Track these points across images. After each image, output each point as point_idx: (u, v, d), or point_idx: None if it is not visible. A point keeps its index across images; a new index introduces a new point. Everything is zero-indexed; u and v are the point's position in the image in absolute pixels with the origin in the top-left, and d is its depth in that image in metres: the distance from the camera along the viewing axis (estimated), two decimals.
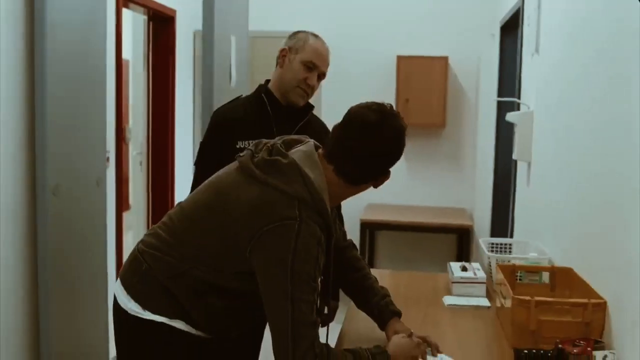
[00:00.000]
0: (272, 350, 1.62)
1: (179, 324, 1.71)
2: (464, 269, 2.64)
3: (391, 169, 1.78)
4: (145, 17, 5.04)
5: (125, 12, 4.46)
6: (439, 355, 1.89)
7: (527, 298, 1.97)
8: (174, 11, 5.01)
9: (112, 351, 3.89)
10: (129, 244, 4.84)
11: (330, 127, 2.46)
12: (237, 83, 3.74)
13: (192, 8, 5.21)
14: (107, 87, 3.61)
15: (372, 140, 1.70)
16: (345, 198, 1.84)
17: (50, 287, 2.99)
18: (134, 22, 5.31)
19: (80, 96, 3.26)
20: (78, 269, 3.30)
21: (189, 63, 5.49)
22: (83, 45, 3.27)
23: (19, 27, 2.87)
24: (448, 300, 2.50)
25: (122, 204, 4.14)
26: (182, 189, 5.25)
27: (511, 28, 4.28)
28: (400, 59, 5.48)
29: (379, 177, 1.77)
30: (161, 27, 5.02)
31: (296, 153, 1.71)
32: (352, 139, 1.70)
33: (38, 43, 2.90)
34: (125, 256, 4.23)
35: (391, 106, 1.76)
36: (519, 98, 3.71)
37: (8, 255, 2.85)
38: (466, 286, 2.55)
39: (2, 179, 2.80)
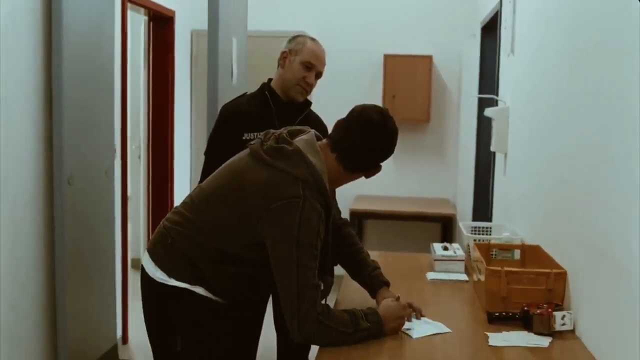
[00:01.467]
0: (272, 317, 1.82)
1: (199, 290, 1.96)
2: (445, 248, 2.90)
3: (382, 164, 2.08)
4: (145, 18, 5.17)
5: None
6: (422, 318, 2.16)
7: (499, 268, 2.24)
8: (173, 12, 5.15)
9: (119, 331, 4.15)
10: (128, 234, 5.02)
11: (324, 120, 2.77)
12: (238, 81, 3.96)
13: (191, 8, 5.42)
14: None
15: (373, 137, 2.01)
16: (341, 184, 2.11)
17: (65, 269, 3.21)
18: (133, 23, 5.42)
19: (91, 94, 3.47)
20: (90, 252, 3.51)
21: (187, 62, 5.65)
22: (94, 46, 3.47)
23: (37, 30, 3.06)
24: (431, 275, 2.76)
25: (126, 193, 4.35)
26: (181, 181, 5.47)
27: (491, 29, 4.45)
28: (387, 57, 5.69)
29: (372, 169, 2.07)
30: (160, 27, 5.15)
31: (300, 141, 1.98)
32: (357, 134, 2.00)
33: (55, 45, 3.10)
34: (130, 242, 4.47)
35: (387, 110, 2.07)
36: (497, 95, 3.93)
37: (28, 240, 3.06)
38: (447, 263, 2.81)
39: (23, 171, 3.02)
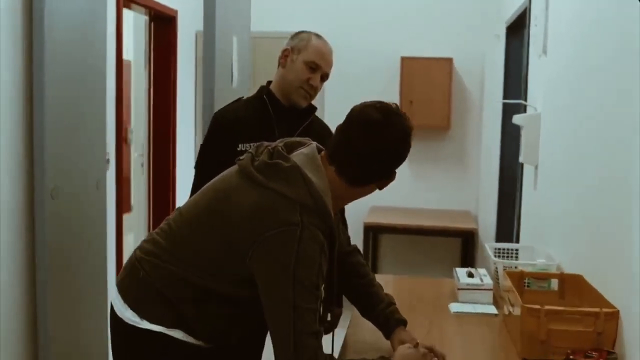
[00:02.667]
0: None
1: (177, 334, 1.67)
2: (470, 275, 2.59)
3: (396, 171, 1.73)
4: (147, 18, 5.02)
5: (126, 12, 4.43)
6: None
7: (537, 307, 1.92)
8: (175, 11, 5.01)
9: (111, 357, 3.88)
10: (130, 246, 4.82)
11: (333, 129, 2.44)
12: (239, 84, 3.73)
13: (194, 8, 5.20)
14: (107, 88, 3.60)
15: (375, 139, 1.66)
16: (348, 201, 1.79)
17: (48, 290, 2.98)
18: (135, 23, 5.30)
19: (79, 97, 3.24)
20: (77, 272, 3.28)
21: (191, 63, 5.50)
22: (82, 45, 3.25)
23: (17, 27, 2.86)
24: (454, 307, 2.45)
25: (122, 206, 4.11)
26: (183, 190, 5.22)
27: (517, 29, 4.26)
28: (404, 60, 5.48)
29: (382, 178, 1.73)
30: (163, 27, 5.01)
31: (298, 156, 1.66)
32: (354, 138, 1.66)
33: (36, 43, 2.89)
34: (126, 259, 4.21)
35: (397, 106, 1.72)
36: (525, 100, 3.68)
37: (6, 257, 2.84)
38: (473, 293, 2.50)
39: (2, 183, 2.79)
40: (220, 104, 3.08)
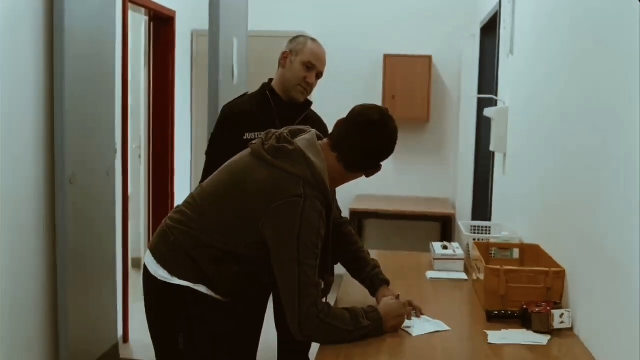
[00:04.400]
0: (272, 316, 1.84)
1: (201, 288, 1.97)
2: (445, 247, 2.91)
3: (382, 163, 2.10)
4: (146, 18, 5.17)
5: None
6: (422, 316, 2.18)
7: (498, 267, 2.25)
8: (174, 12, 5.15)
9: (120, 330, 4.17)
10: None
11: (323, 120, 2.78)
12: (239, 81, 3.98)
13: (191, 8, 5.42)
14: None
15: (374, 137, 2.03)
16: (342, 183, 2.13)
17: (67, 268, 3.23)
18: (134, 23, 5.43)
19: (93, 94, 3.49)
20: (91, 251, 3.53)
21: (187, 62, 5.65)
22: (95, 46, 3.49)
23: (39, 29, 3.07)
24: (430, 274, 2.77)
25: (127, 192, 4.36)
26: (181, 181, 5.48)
27: (490, 29, 4.46)
28: (387, 57, 5.69)
29: (372, 168, 2.09)
30: (161, 27, 5.15)
31: (301, 141, 2.00)
32: (357, 134, 2.02)
33: (57, 45, 3.12)
34: (130, 240, 4.49)
35: (387, 109, 2.08)
36: (496, 95, 3.94)
37: (30, 239, 3.08)
38: (446, 262, 2.82)
39: (24, 170, 3.03)
40: (223, 99, 3.34)
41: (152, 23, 5.17)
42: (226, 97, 3.23)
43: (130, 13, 4.89)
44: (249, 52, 4.41)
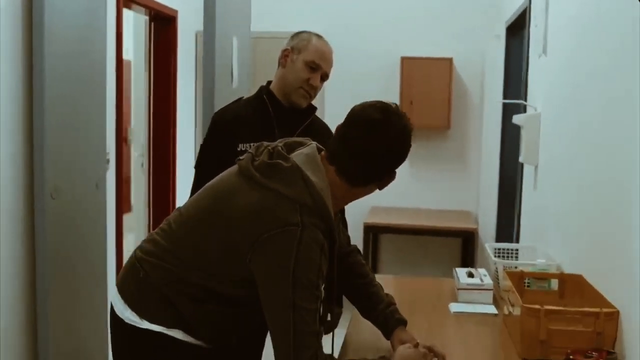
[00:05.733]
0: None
1: (177, 334, 1.67)
2: (470, 275, 2.59)
3: (396, 171, 1.73)
4: (147, 18, 5.02)
5: (126, 12, 4.43)
6: None
7: (537, 307, 1.92)
8: (176, 11, 5.00)
9: (110, 356, 3.88)
10: (131, 246, 4.82)
11: (333, 129, 2.44)
12: (239, 84, 3.73)
13: (194, 8, 5.20)
14: (108, 88, 3.60)
15: (375, 139, 1.66)
16: (348, 201, 1.79)
17: (48, 290, 2.98)
18: (135, 23, 5.30)
19: (79, 97, 3.24)
20: (77, 272, 3.27)
21: (191, 64, 5.50)
22: (82, 45, 3.25)
23: (17, 27, 2.86)
24: (454, 307, 2.45)
25: (122, 206, 4.11)
26: (184, 190, 5.22)
27: (517, 29, 4.26)
28: (404, 60, 5.46)
29: (382, 178, 1.73)
30: (163, 27, 5.01)
31: (298, 156, 1.66)
32: (355, 137, 1.66)
33: (36, 43, 2.89)
34: (126, 259, 4.21)
35: (396, 106, 1.72)
36: (525, 100, 3.68)
37: (7, 258, 2.84)
38: (473, 293, 2.50)
39: (2, 183, 2.78)
40: (220, 104, 3.07)
41: (152, 23, 5.03)
42: (223, 101, 3.00)
43: (130, 13, 4.70)
44: (254, 54, 4.16)
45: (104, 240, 3.55)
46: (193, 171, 5.70)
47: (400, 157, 1.71)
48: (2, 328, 2.82)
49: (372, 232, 5.25)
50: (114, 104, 3.93)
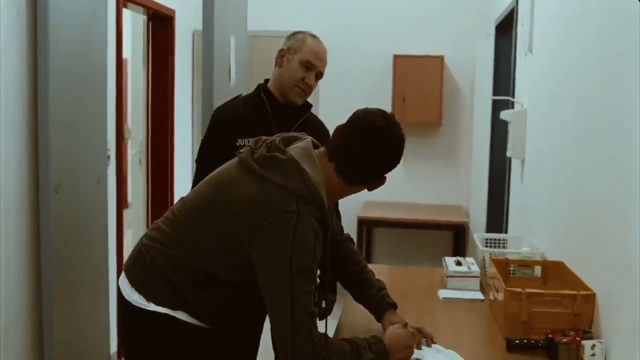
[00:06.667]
0: (271, 343, 1.69)
1: (182, 315, 1.76)
2: (459, 263, 2.69)
3: (387, 175, 1.85)
4: (145, 17, 5.04)
5: (124, 11, 4.48)
6: (433, 345, 1.95)
7: (519, 290, 2.03)
8: (173, 11, 5.03)
9: (113, 346, 3.96)
10: (129, 242, 4.89)
11: (327, 125, 2.55)
12: (236, 82, 3.79)
13: (191, 8, 5.24)
14: (108, 87, 3.65)
15: (377, 144, 1.78)
16: (341, 197, 1.91)
17: (53, 283, 3.03)
18: (133, 22, 5.33)
19: (82, 95, 3.29)
20: (80, 265, 3.33)
21: (188, 62, 5.52)
22: (84, 45, 3.30)
23: (22, 27, 2.90)
24: (443, 293, 2.55)
25: (122, 201, 4.18)
26: (182, 187, 5.30)
27: (506, 28, 4.32)
28: (397, 58, 5.53)
29: (375, 180, 1.85)
30: (160, 26, 5.03)
31: (294, 150, 1.76)
32: (358, 141, 1.78)
33: (41, 43, 2.93)
34: (126, 253, 4.29)
35: (393, 115, 1.84)
36: (513, 97, 3.76)
37: (11, 252, 2.89)
38: (460, 280, 2.60)
39: (5, 177, 2.84)
40: (218, 102, 3.13)
41: (150, 22, 5.05)
42: (222, 99, 3.04)
43: (128, 12, 4.75)
44: (250, 53, 4.22)
45: (105, 233, 3.62)
46: (190, 167, 5.76)
47: (395, 162, 1.84)
48: (6, 320, 2.86)
49: (366, 225, 5.32)
50: (114, 103, 3.99)
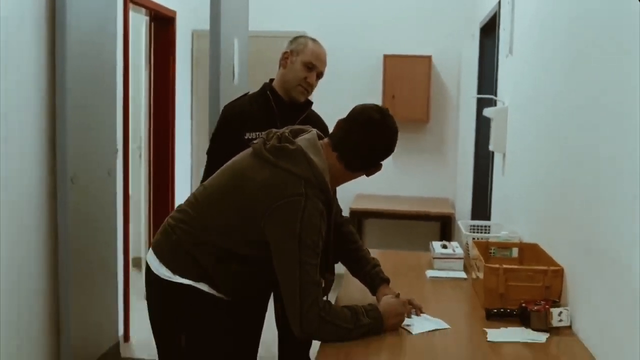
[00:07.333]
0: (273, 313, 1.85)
1: (203, 287, 1.99)
2: (445, 246, 2.93)
3: (382, 163, 2.11)
4: (147, 18, 5.18)
5: None
6: (422, 314, 2.19)
7: (497, 266, 2.28)
8: (174, 12, 5.17)
9: (121, 329, 4.19)
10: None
11: (324, 119, 2.80)
12: (239, 81, 3.99)
13: (192, 9, 5.44)
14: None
15: (374, 136, 2.04)
16: (342, 182, 2.15)
17: (69, 264, 3.25)
18: (134, 23, 5.43)
19: (94, 94, 3.50)
20: (93, 250, 3.55)
21: (188, 62, 5.67)
22: (97, 46, 3.50)
23: (40, 28, 3.08)
24: (430, 273, 2.79)
25: (128, 192, 4.37)
26: (182, 182, 5.49)
27: (490, 30, 4.47)
28: (387, 57, 5.73)
29: (373, 167, 2.10)
30: (162, 27, 5.17)
31: (302, 141, 2.01)
32: (358, 133, 2.04)
33: (59, 44, 3.13)
34: (132, 241, 4.50)
35: (387, 109, 2.10)
36: (495, 95, 3.95)
37: (32, 236, 3.10)
38: (446, 261, 2.84)
39: (27, 170, 3.05)
40: (224, 100, 3.36)
41: (152, 23, 5.18)
42: (227, 97, 3.25)
43: (130, 13, 4.91)
44: (248, 52, 4.43)
45: (114, 219, 3.85)
46: (190, 162, 5.95)
47: (389, 151, 2.10)
48: (28, 301, 3.07)
49: (358, 217, 5.51)
50: (121, 101, 4.15)
